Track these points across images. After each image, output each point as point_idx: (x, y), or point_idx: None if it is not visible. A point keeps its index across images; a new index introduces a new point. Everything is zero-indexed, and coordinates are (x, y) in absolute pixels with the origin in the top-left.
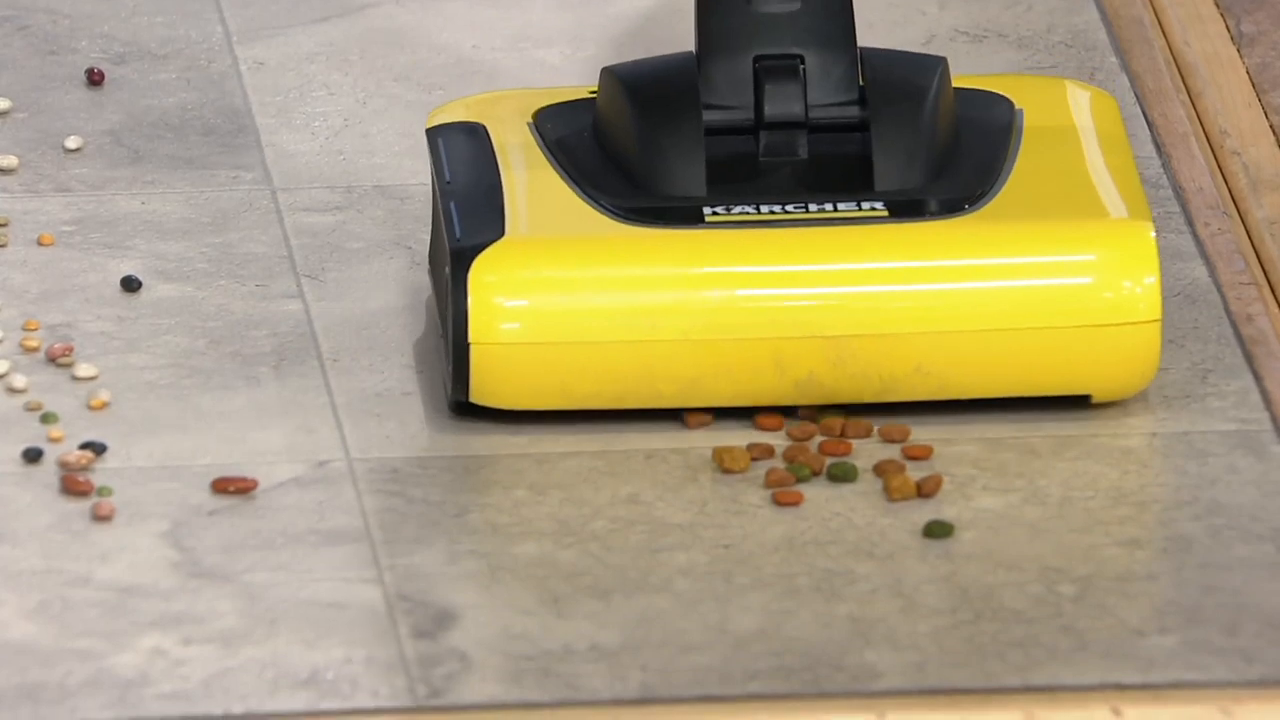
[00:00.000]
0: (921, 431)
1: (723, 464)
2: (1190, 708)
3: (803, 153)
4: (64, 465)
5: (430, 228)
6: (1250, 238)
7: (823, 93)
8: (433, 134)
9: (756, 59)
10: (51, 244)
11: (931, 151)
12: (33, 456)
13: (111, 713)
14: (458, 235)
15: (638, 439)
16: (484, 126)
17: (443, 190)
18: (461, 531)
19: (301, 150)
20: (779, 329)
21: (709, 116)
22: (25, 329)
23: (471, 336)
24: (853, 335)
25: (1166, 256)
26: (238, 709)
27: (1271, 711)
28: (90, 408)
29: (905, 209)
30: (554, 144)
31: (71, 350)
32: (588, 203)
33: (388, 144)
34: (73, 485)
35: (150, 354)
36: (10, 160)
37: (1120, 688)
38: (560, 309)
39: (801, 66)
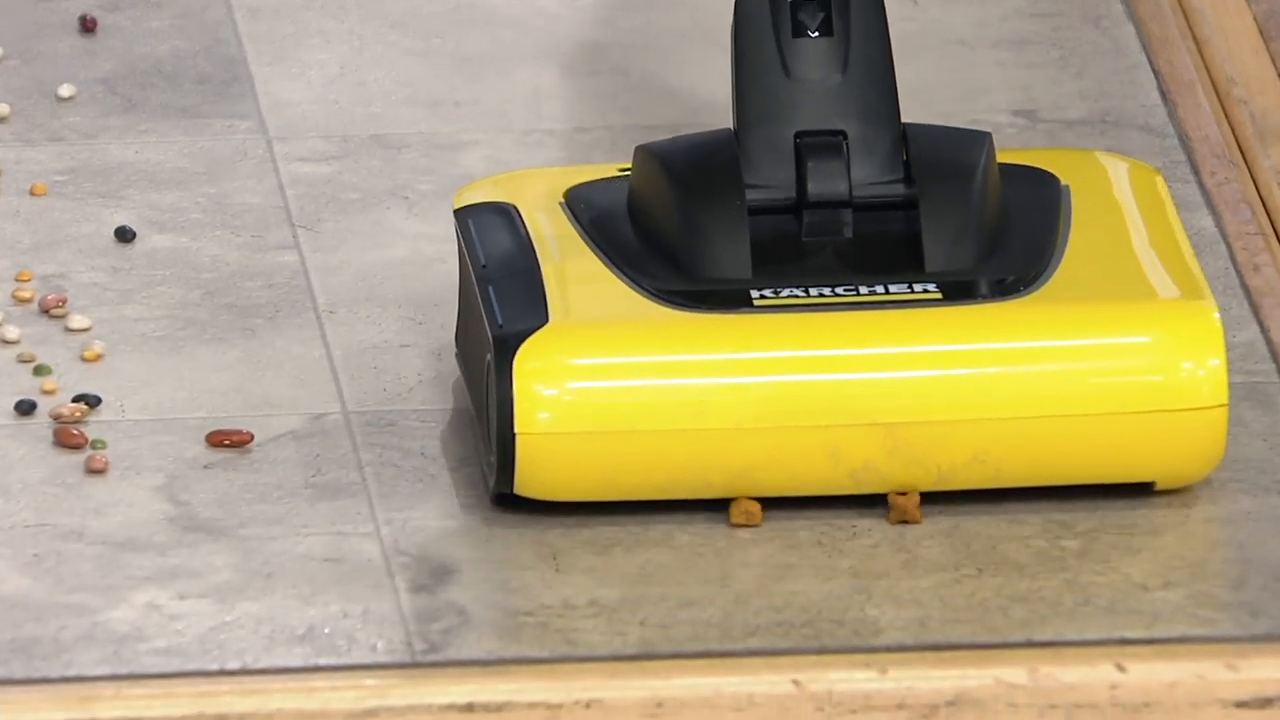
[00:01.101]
0: None
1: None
2: (1195, 663)
3: (848, 232)
4: (57, 418)
5: (457, 309)
6: (1257, 187)
7: (867, 170)
8: (462, 215)
9: (798, 135)
10: (44, 194)
11: (981, 230)
12: (26, 409)
13: (106, 668)
14: (500, 322)
15: None
16: (515, 207)
17: (479, 275)
18: (459, 486)
19: (296, 99)
20: (834, 416)
21: (751, 196)
22: (18, 280)
23: (517, 427)
24: (909, 422)
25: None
26: (234, 664)
27: (1277, 666)
28: (84, 359)
29: (958, 291)
30: (589, 225)
31: (65, 302)
32: (630, 287)
33: (384, 92)
34: (66, 438)
35: (145, 305)
36: (2, 109)
37: (1124, 642)
38: (608, 397)
39: (844, 142)
